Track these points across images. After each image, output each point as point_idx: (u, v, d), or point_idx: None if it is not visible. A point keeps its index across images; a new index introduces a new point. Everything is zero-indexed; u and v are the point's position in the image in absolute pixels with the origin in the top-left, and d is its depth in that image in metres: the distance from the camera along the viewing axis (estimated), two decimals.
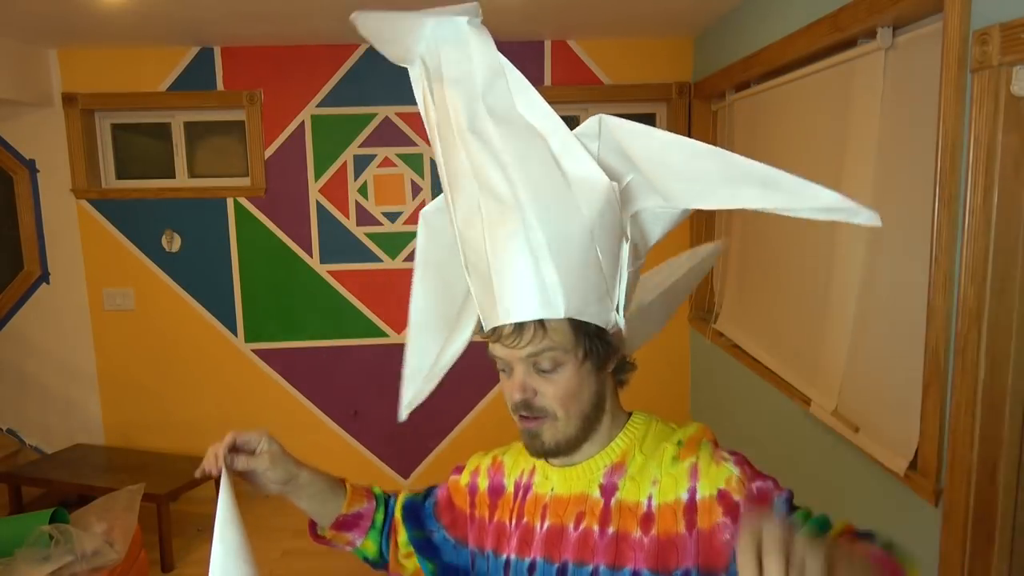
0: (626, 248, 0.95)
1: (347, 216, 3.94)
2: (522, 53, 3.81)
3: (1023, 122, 1.52)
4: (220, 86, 3.83)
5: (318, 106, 3.84)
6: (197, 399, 4.04)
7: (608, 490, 0.97)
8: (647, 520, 0.93)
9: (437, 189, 3.91)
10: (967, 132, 1.60)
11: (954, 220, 1.66)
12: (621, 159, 0.94)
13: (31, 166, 3.89)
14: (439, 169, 1.00)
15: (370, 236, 3.96)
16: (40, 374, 4.05)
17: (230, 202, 3.94)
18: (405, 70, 1.01)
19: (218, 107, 3.90)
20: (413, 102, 1.00)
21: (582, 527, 0.97)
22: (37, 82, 3.73)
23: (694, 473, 0.93)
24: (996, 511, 1.62)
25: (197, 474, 1.08)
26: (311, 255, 3.97)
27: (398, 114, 3.83)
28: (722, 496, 0.90)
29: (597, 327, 0.93)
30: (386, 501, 1.18)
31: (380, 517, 1.16)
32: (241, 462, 1.06)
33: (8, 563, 2.42)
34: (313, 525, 1.15)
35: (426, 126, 1.00)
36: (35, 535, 2.47)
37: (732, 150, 0.89)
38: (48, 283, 3.99)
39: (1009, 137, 1.52)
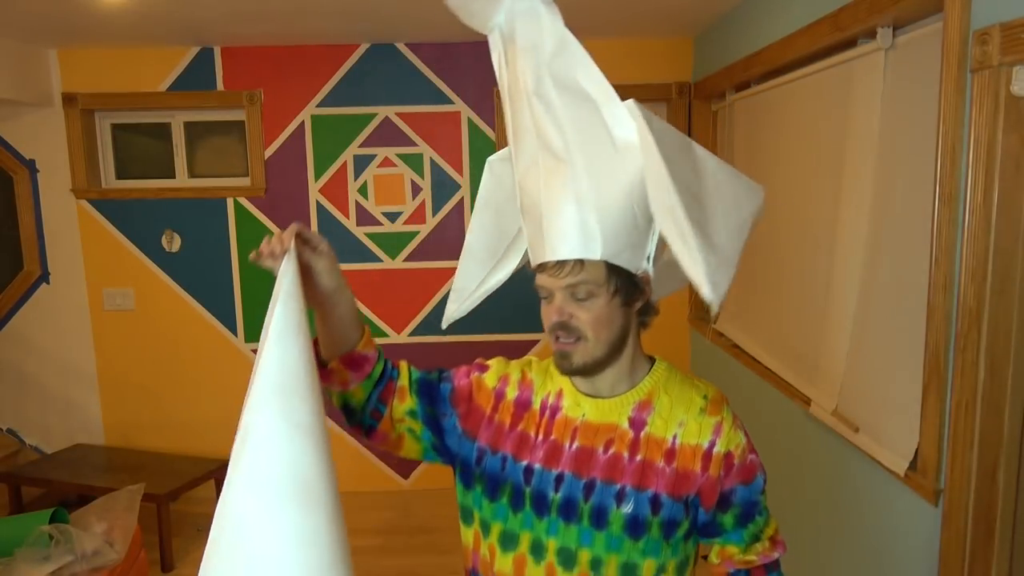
0: None
1: (347, 216, 3.94)
2: None
3: (1023, 122, 1.52)
4: (220, 86, 3.83)
5: (318, 106, 3.84)
6: (197, 399, 4.04)
7: (637, 424, 1.14)
8: (670, 454, 1.13)
9: (437, 188, 3.91)
10: (967, 132, 1.60)
11: (954, 220, 1.66)
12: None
13: (31, 166, 3.89)
14: (507, 125, 1.16)
15: (370, 236, 3.96)
16: (40, 374, 4.05)
17: (230, 202, 3.94)
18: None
19: (218, 107, 3.90)
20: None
21: (611, 451, 1.13)
22: (37, 82, 3.73)
23: (718, 430, 1.13)
24: (996, 511, 1.62)
25: (251, 257, 1.11)
26: None
27: (398, 114, 3.83)
28: (728, 456, 1.12)
29: (628, 270, 1.09)
30: (384, 360, 1.25)
31: (378, 371, 1.23)
32: (305, 253, 1.13)
33: (8, 563, 2.42)
34: (316, 353, 1.20)
35: (499, 87, 1.17)
36: (35, 535, 2.47)
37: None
38: (48, 283, 3.99)
39: (1009, 137, 1.52)
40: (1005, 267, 1.56)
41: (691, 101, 3.81)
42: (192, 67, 3.81)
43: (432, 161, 3.89)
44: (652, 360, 1.21)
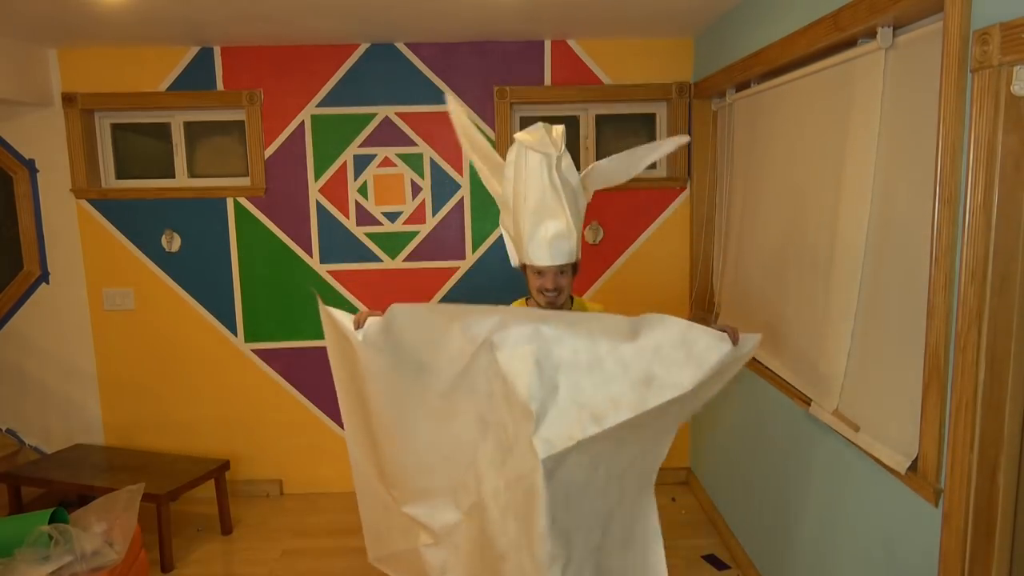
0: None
1: (347, 216, 3.94)
2: (522, 53, 3.81)
3: (1023, 122, 1.52)
4: (220, 86, 3.83)
5: (318, 106, 3.84)
6: (197, 399, 4.04)
7: None
8: None
9: (437, 189, 3.91)
10: (967, 132, 1.60)
11: (954, 220, 1.66)
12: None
13: (31, 166, 3.89)
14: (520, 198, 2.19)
15: (370, 236, 3.96)
16: (40, 374, 4.05)
17: (230, 202, 3.94)
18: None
19: (218, 107, 3.90)
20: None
21: None
22: (37, 82, 3.73)
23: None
24: (996, 511, 1.62)
25: None
26: (311, 255, 3.97)
27: (398, 114, 3.83)
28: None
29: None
30: None
31: None
32: None
33: (8, 563, 2.42)
34: None
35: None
36: (35, 535, 2.47)
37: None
38: (48, 283, 3.99)
39: (1009, 137, 1.52)
40: (1005, 267, 1.56)
41: (691, 101, 3.81)
42: (192, 67, 3.81)
43: (432, 161, 3.89)
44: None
